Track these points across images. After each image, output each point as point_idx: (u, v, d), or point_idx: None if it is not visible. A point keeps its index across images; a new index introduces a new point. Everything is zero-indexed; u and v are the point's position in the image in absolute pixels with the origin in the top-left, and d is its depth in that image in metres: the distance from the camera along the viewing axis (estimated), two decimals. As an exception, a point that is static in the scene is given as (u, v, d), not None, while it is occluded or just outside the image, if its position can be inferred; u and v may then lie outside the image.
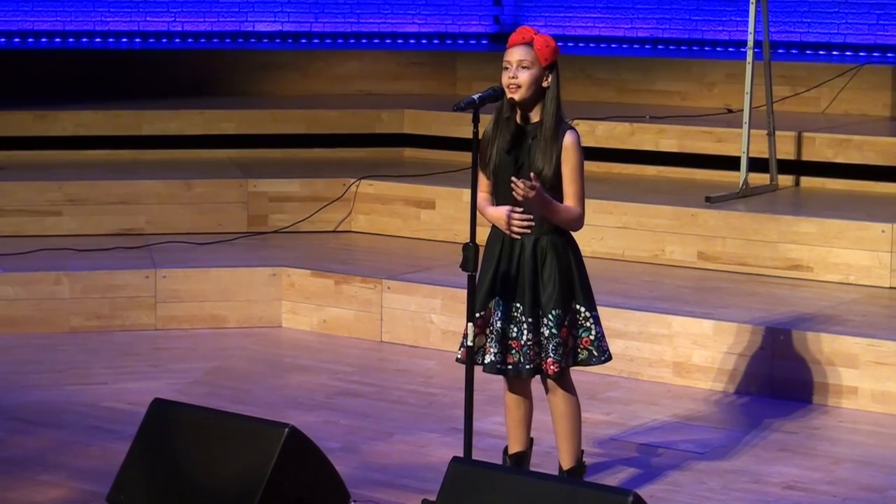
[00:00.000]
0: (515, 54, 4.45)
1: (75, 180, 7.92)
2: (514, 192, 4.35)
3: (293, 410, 5.69)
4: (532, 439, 4.75)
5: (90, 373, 6.28)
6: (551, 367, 4.49)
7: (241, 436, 4.25)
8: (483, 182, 4.57)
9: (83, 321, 6.94)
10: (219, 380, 6.19)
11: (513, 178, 4.34)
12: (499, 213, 4.51)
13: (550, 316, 4.49)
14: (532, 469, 4.66)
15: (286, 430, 4.16)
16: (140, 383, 6.08)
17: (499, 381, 4.74)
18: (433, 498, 4.01)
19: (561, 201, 4.47)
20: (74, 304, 6.93)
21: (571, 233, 4.56)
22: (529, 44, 4.45)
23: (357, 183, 8.02)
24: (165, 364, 6.44)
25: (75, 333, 6.89)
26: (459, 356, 4.54)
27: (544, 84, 4.47)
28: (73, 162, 8.57)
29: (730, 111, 8.85)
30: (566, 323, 4.51)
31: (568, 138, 4.46)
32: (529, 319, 4.49)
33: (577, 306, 4.55)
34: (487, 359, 4.53)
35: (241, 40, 11.05)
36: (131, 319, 6.98)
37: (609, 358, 4.62)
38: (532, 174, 4.34)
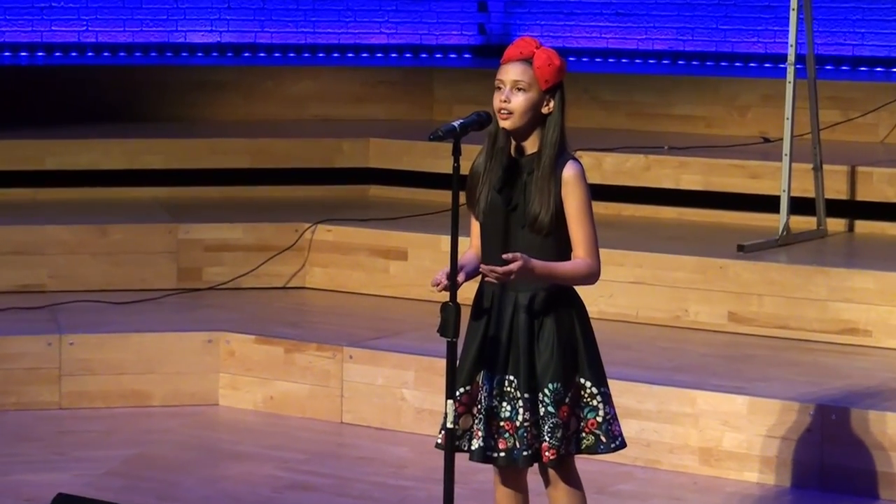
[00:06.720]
0: (510, 73, 4.46)
1: (-37, 225, 7.92)
2: (490, 279, 4.36)
3: (231, 509, 5.68)
4: (527, 544, 4.74)
5: (-20, 462, 6.25)
6: (546, 452, 4.48)
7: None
8: (475, 230, 4.57)
9: (-28, 398, 6.92)
10: (140, 470, 6.17)
11: (481, 266, 4.38)
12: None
13: (547, 391, 4.48)
14: (527, 581, 4.64)
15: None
16: (41, 475, 6.05)
17: (486, 472, 4.72)
18: None
19: (566, 247, 4.47)
20: (-39, 378, 6.91)
21: (576, 288, 4.55)
22: (528, 60, 4.45)
23: (313, 228, 8.03)
24: (72, 451, 6.41)
25: (-38, 414, 6.87)
26: (440, 441, 4.52)
27: (544, 110, 4.47)
28: (-39, 203, 8.58)
29: (767, 141, 8.88)
30: (567, 401, 4.50)
31: (568, 170, 4.46)
32: (526, 395, 4.47)
33: (582, 380, 4.54)
34: (475, 444, 4.51)
35: (169, 54, 11.07)
36: (30, 396, 6.95)
37: (622, 445, 4.60)
38: (509, 255, 4.33)
